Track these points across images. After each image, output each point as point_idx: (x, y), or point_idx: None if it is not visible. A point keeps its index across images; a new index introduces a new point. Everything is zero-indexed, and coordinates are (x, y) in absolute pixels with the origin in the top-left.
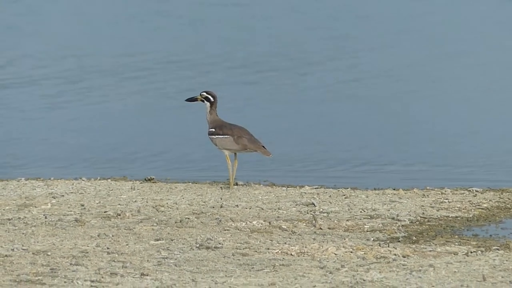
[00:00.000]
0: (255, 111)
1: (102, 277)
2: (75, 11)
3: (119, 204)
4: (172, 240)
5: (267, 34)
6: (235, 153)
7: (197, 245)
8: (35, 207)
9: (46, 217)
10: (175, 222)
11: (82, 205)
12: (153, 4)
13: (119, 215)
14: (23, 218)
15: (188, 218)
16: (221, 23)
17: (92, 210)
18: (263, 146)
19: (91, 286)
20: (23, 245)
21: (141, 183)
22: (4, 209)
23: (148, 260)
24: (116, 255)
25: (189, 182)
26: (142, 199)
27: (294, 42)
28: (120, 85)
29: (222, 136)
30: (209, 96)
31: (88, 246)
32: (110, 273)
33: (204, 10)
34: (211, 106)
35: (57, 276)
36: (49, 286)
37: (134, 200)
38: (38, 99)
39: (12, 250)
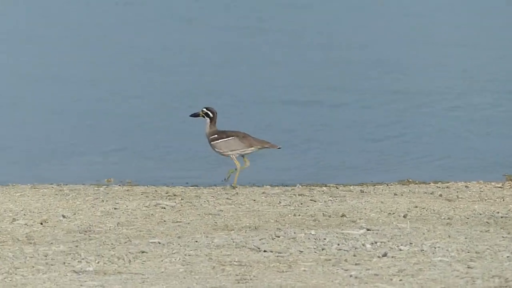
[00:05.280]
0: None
1: None
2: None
3: None
4: None
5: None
6: (243, 155)
7: None
8: None
9: None
10: None
11: None
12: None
13: None
14: None
15: None
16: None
17: None
18: (268, 142)
19: None
20: None
21: None
22: None
23: None
24: None
25: None
26: None
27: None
28: None
29: (226, 139)
30: (209, 112)
31: None
32: None
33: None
34: (210, 122)
35: None
36: None
37: None
38: None
39: None
